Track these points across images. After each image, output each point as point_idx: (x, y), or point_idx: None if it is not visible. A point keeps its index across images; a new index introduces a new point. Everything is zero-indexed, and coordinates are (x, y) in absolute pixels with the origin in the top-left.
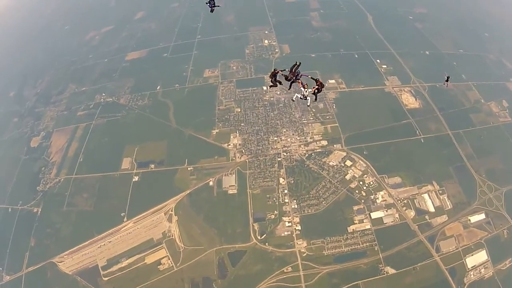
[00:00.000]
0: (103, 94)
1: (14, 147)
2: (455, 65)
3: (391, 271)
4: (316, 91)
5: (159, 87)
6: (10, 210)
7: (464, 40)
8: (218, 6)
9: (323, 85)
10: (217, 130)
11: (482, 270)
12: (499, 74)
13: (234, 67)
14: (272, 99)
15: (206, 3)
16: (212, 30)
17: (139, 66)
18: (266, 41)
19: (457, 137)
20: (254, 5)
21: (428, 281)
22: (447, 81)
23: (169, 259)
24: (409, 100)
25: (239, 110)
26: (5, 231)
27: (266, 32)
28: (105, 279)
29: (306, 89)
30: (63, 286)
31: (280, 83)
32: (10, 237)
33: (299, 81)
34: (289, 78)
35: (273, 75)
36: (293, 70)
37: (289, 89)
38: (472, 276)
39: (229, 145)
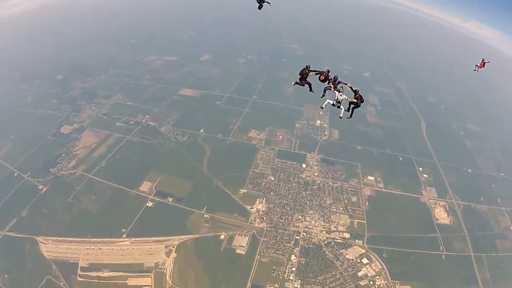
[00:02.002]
0: (147, 116)
1: (44, 124)
2: (493, 187)
3: None
4: (353, 105)
5: (202, 130)
6: (16, 175)
7: (508, 165)
8: (268, 2)
9: (363, 99)
10: (245, 191)
11: None
12: None
13: (280, 136)
14: (308, 178)
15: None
16: (269, 95)
17: (190, 103)
18: (318, 121)
19: (478, 260)
20: (318, 83)
21: None
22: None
23: None
24: (441, 215)
25: (273, 178)
26: (3, 190)
27: (320, 113)
28: (79, 279)
29: (341, 93)
30: (34, 264)
31: (309, 85)
32: (5, 197)
33: (332, 85)
34: (323, 79)
35: (305, 73)
36: (329, 77)
37: (322, 97)
38: None
39: (253, 208)
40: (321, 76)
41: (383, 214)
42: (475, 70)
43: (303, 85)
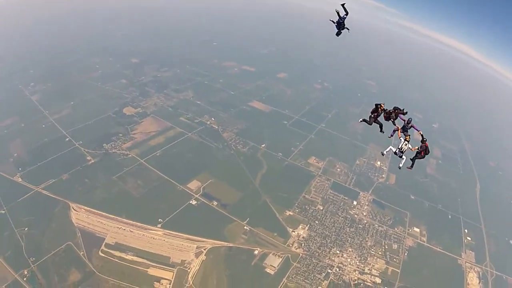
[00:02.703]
0: (213, 118)
1: (108, 100)
2: None
3: None
4: (417, 155)
5: (264, 145)
6: (67, 139)
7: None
8: (347, 28)
9: (428, 151)
10: (291, 213)
11: None
12: None
13: (338, 169)
14: (356, 216)
15: (333, 22)
16: (337, 126)
17: (258, 117)
18: (378, 163)
19: None
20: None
21: None
22: None
23: (169, 284)
24: (473, 281)
25: (321, 208)
26: (50, 150)
27: (383, 154)
28: (101, 254)
29: (406, 142)
30: (60, 227)
31: (380, 125)
32: (50, 157)
33: (400, 129)
34: (390, 116)
35: (378, 112)
36: (397, 114)
37: (390, 136)
38: None
39: (294, 232)
40: (394, 114)
41: (418, 267)
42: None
43: (371, 124)
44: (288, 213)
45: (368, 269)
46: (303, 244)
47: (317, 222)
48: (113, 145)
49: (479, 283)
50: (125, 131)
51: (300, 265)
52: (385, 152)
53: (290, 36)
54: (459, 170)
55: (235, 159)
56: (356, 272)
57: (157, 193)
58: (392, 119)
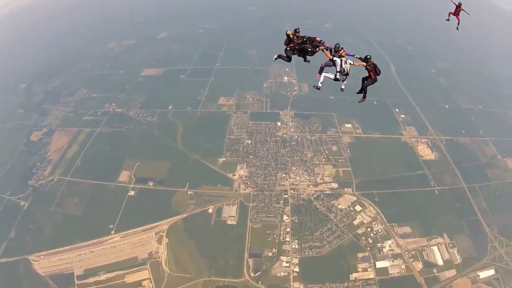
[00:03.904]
0: (113, 104)
1: (14, 137)
2: (473, 120)
3: None
4: (365, 78)
5: (170, 106)
6: None
7: (484, 97)
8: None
9: (379, 70)
10: (224, 159)
11: None
12: None
13: (250, 99)
14: (285, 135)
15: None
16: (233, 60)
17: (154, 83)
18: (285, 78)
19: (472, 191)
20: (279, 43)
21: None
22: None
23: (151, 282)
24: (425, 152)
25: (250, 142)
26: None
27: (287, 69)
28: None
29: (343, 58)
30: (32, 286)
31: (302, 56)
32: None
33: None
34: (304, 48)
35: (293, 40)
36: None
37: (305, 61)
38: None
39: (235, 175)
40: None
41: (367, 159)
42: (447, 19)
43: (290, 60)
44: (221, 160)
45: (320, 179)
46: (248, 183)
47: (251, 157)
48: (36, 178)
49: (432, 152)
50: (40, 158)
51: (256, 203)
52: (319, 84)
53: None
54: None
55: (150, 132)
56: (311, 186)
57: (96, 201)
58: (309, 52)
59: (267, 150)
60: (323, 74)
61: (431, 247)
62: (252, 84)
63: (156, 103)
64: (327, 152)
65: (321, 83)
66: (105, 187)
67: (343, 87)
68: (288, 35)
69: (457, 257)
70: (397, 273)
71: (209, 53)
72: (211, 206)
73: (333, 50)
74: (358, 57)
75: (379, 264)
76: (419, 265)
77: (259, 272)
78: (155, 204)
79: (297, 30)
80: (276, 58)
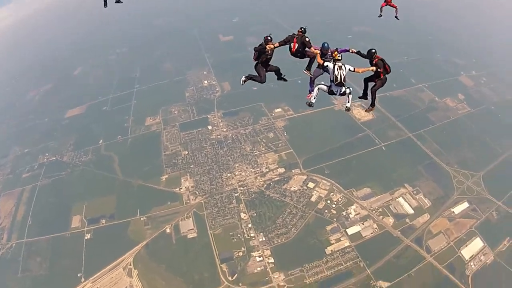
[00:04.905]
0: (46, 154)
1: None
2: (402, 71)
3: (384, 284)
4: (371, 82)
5: (101, 141)
6: None
7: (407, 48)
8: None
9: (389, 67)
10: (167, 176)
11: (482, 257)
12: (450, 71)
13: (175, 112)
14: (219, 137)
15: None
16: (150, 78)
17: (80, 122)
18: (205, 82)
19: (420, 138)
20: (191, 49)
21: (428, 284)
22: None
23: None
24: (361, 114)
25: (186, 152)
26: None
27: (204, 73)
28: None
29: (337, 63)
30: None
31: (276, 71)
32: None
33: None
34: (295, 51)
35: (266, 52)
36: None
37: (280, 78)
38: (473, 266)
39: (181, 188)
40: (293, 44)
41: (306, 136)
42: (380, 15)
43: (263, 80)
44: (163, 178)
45: (266, 168)
46: (196, 192)
47: (192, 166)
48: None
49: (368, 111)
50: None
51: (210, 209)
52: (313, 100)
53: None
54: (276, 38)
55: (88, 171)
56: (258, 177)
57: (57, 255)
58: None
59: (206, 155)
60: (316, 86)
61: (396, 200)
62: (174, 97)
63: (87, 141)
64: (264, 140)
65: (314, 97)
66: (61, 238)
67: (348, 105)
68: (258, 50)
69: (426, 201)
70: (371, 233)
71: (126, 77)
72: (167, 226)
73: (321, 52)
74: (355, 51)
75: (351, 231)
76: (390, 220)
77: (236, 274)
78: (113, 240)
79: (269, 38)
80: (244, 81)
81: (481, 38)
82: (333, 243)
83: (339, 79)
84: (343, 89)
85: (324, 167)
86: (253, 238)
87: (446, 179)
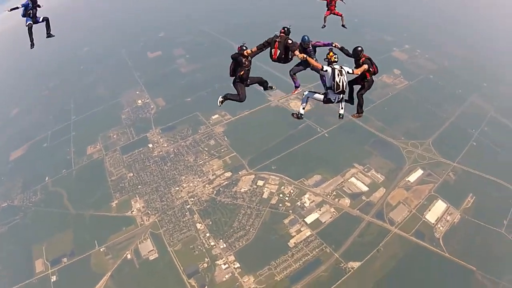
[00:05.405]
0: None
1: None
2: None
3: (355, 264)
4: (358, 80)
5: (47, 178)
6: None
7: (336, 34)
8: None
9: (376, 68)
10: (116, 201)
11: (449, 218)
12: (381, 49)
13: (114, 136)
14: (161, 153)
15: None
16: (85, 107)
17: (24, 163)
18: (139, 101)
19: (362, 118)
20: (121, 71)
21: (400, 255)
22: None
23: None
24: (298, 106)
25: (132, 174)
26: None
27: (137, 92)
28: None
29: (335, 63)
30: None
31: (261, 82)
32: None
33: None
34: (278, 54)
35: (244, 64)
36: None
37: (266, 88)
38: (441, 228)
39: (133, 211)
40: (274, 50)
41: (247, 137)
42: (323, 26)
43: (243, 97)
44: (114, 204)
45: (212, 175)
46: (149, 212)
47: (140, 186)
48: None
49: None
50: None
51: (165, 226)
52: (302, 111)
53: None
54: (208, 48)
55: (40, 210)
56: (206, 185)
57: None
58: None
59: (151, 173)
60: (307, 95)
61: (349, 180)
62: (111, 121)
63: (34, 181)
64: (206, 149)
65: (303, 108)
66: (29, 286)
67: (341, 112)
68: (233, 58)
69: (378, 176)
70: (330, 218)
71: (61, 110)
72: (127, 252)
73: (298, 46)
74: (340, 47)
75: (309, 219)
76: (346, 201)
77: (206, 287)
78: (79, 278)
79: (244, 47)
80: (222, 102)
81: (410, 11)
82: (295, 235)
83: (341, 87)
84: (341, 96)
85: (270, 164)
86: (214, 246)
87: (395, 152)
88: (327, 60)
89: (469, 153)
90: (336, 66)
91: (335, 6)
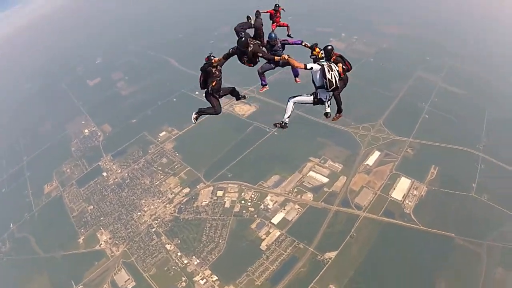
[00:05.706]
0: None
1: None
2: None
3: (332, 254)
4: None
5: (11, 224)
6: None
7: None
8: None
9: (350, 64)
10: (83, 237)
11: (415, 192)
12: (319, 42)
13: (68, 170)
14: (116, 180)
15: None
16: (34, 145)
17: None
18: (86, 130)
19: (308, 112)
20: (64, 103)
21: (373, 236)
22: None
23: None
24: (244, 109)
25: (92, 207)
26: None
27: (83, 122)
28: None
29: (326, 66)
30: None
31: (232, 91)
32: None
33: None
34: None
35: (214, 74)
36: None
37: (239, 98)
38: (409, 203)
39: (101, 244)
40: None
41: (198, 149)
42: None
43: (218, 109)
44: (80, 240)
45: (171, 194)
46: (116, 242)
47: (102, 218)
48: None
49: (251, 105)
50: None
51: (136, 253)
52: (286, 119)
53: None
54: (147, 64)
55: (11, 258)
56: (167, 205)
57: None
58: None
59: (110, 202)
60: (292, 101)
61: (307, 175)
62: (62, 155)
63: (0, 230)
64: (160, 168)
65: (288, 116)
66: None
67: (328, 110)
68: (203, 70)
69: (336, 166)
70: (296, 214)
71: (12, 152)
72: (105, 286)
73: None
74: (309, 45)
75: (275, 220)
76: (309, 196)
77: None
78: None
79: (212, 56)
80: (196, 118)
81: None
82: (265, 238)
83: (334, 83)
84: (332, 94)
85: (226, 172)
86: (188, 264)
87: (348, 138)
88: (313, 57)
89: (423, 126)
90: (324, 63)
91: (281, 18)
